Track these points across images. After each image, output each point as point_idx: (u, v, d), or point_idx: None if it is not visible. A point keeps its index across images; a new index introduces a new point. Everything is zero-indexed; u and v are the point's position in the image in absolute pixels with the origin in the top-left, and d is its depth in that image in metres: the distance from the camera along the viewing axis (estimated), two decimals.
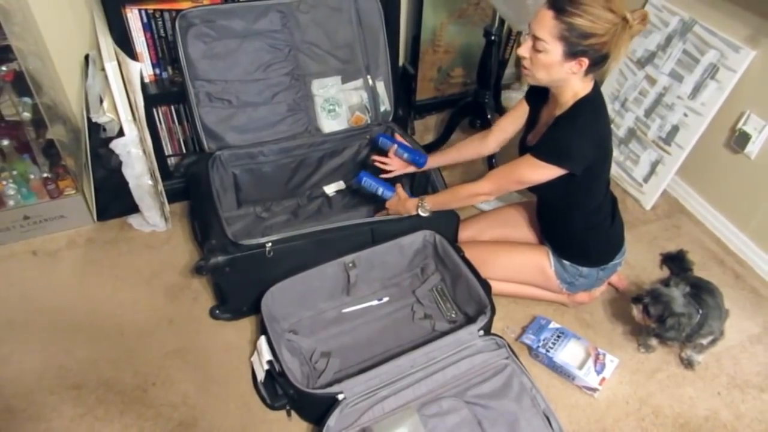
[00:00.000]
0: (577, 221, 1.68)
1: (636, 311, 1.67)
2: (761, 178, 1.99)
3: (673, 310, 1.59)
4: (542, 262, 1.79)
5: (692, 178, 2.29)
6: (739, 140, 2.01)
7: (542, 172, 1.51)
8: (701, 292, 1.67)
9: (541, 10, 1.39)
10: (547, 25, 1.37)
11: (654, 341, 1.77)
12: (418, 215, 1.80)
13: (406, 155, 1.95)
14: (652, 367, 1.75)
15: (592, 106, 1.50)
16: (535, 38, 1.40)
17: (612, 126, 2.41)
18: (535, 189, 1.73)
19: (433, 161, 1.95)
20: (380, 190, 1.95)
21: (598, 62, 1.42)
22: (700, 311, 1.62)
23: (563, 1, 1.35)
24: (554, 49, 1.39)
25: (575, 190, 1.57)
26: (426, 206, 1.79)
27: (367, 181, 1.96)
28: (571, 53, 1.39)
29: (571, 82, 1.48)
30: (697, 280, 1.75)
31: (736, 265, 2.09)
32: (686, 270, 1.96)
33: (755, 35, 1.91)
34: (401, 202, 1.86)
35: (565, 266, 1.76)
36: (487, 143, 1.86)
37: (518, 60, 2.74)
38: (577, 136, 1.47)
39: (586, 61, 1.40)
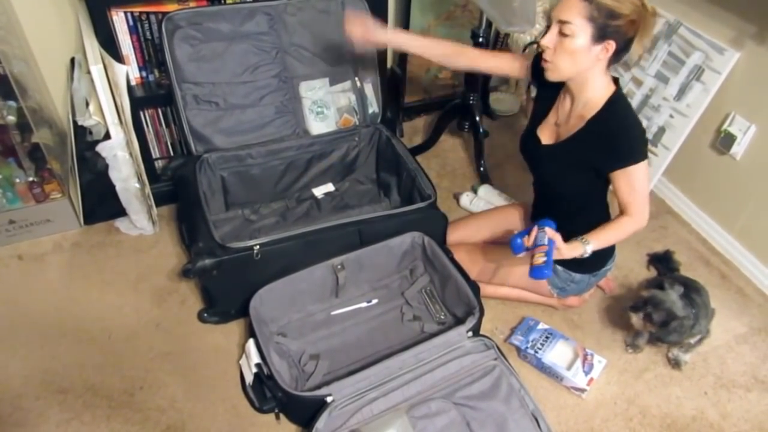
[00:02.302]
0: (580, 225, 1.61)
1: (636, 319, 1.66)
2: (746, 179, 2.01)
3: (676, 314, 1.60)
4: None
5: (679, 179, 2.31)
6: (724, 141, 2.03)
7: (641, 171, 1.50)
8: (690, 291, 1.68)
9: None
10: (575, 7, 1.38)
11: (642, 341, 1.78)
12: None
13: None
14: (639, 368, 1.76)
15: (625, 101, 1.53)
16: (562, 23, 1.41)
17: None
18: (556, 190, 1.71)
19: (394, 39, 1.79)
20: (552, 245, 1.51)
21: (623, 48, 1.43)
22: (693, 311, 1.63)
23: None
24: (582, 32, 1.39)
25: (597, 188, 1.61)
26: (591, 248, 1.56)
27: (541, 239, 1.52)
28: (600, 35, 1.40)
29: (594, 75, 1.48)
30: (684, 279, 1.76)
31: (722, 265, 2.11)
32: (673, 270, 1.98)
33: (739, 37, 1.93)
34: (559, 252, 1.53)
35: (558, 272, 1.75)
36: (474, 60, 1.75)
37: None
38: (636, 131, 1.50)
39: (613, 45, 1.41)
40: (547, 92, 1.65)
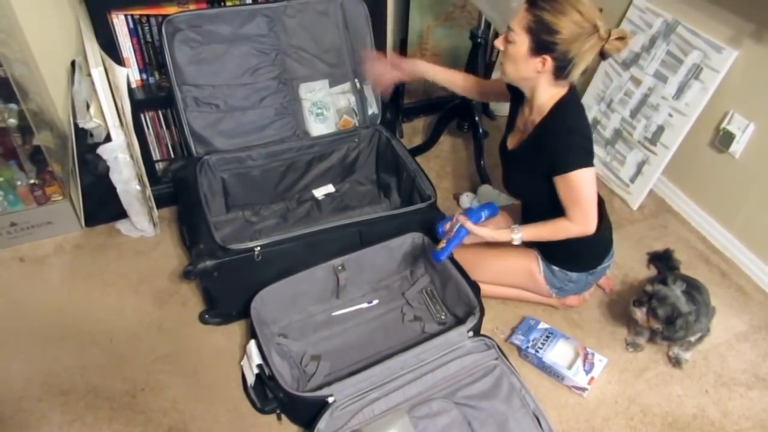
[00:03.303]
0: None
1: (639, 314, 1.66)
2: (745, 177, 2.02)
3: (680, 310, 1.60)
4: (531, 267, 1.79)
5: (678, 177, 2.31)
6: (723, 140, 2.03)
7: (584, 178, 1.48)
8: (691, 289, 1.68)
9: (522, 3, 1.43)
10: (519, 15, 1.41)
11: (642, 340, 1.79)
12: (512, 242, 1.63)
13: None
14: (640, 366, 1.76)
15: (571, 105, 1.52)
16: (509, 29, 1.44)
17: (598, 127, 2.43)
18: (522, 195, 1.74)
19: (417, 69, 1.83)
20: (462, 234, 1.63)
21: (563, 66, 1.43)
22: (694, 308, 1.64)
23: None
24: (521, 41, 1.42)
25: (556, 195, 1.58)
26: (519, 237, 1.61)
27: (449, 248, 1.64)
28: (537, 48, 1.41)
29: (541, 85, 1.49)
30: (685, 277, 1.76)
31: (722, 263, 2.11)
32: (673, 269, 1.98)
33: (737, 36, 1.93)
34: (480, 236, 1.63)
35: (555, 272, 1.76)
36: (476, 87, 1.83)
37: None
38: (574, 135, 1.49)
39: (549, 61, 1.42)
40: (517, 98, 1.66)
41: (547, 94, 1.51)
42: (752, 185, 2.00)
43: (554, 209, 1.62)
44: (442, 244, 1.64)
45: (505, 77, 1.54)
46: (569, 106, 1.51)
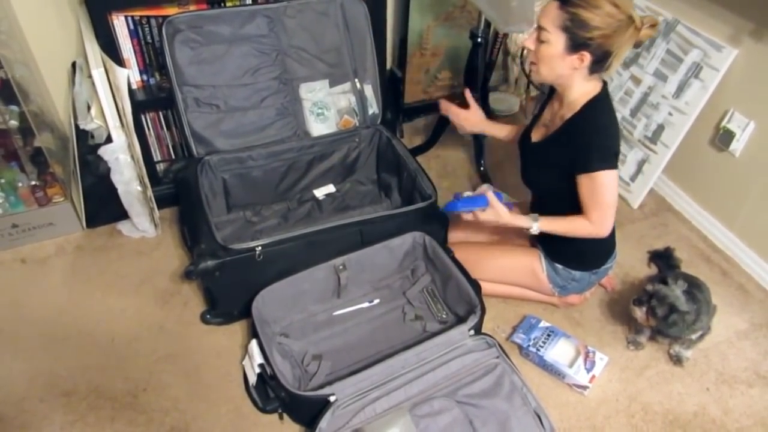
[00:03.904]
0: None
1: (639, 312, 1.66)
2: (746, 176, 2.02)
3: (679, 309, 1.60)
4: (534, 265, 1.79)
5: (678, 176, 2.31)
6: (723, 138, 2.03)
7: (608, 179, 1.48)
8: (691, 287, 1.68)
9: (549, 2, 1.41)
10: (551, 15, 1.39)
11: (643, 338, 1.79)
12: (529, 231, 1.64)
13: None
14: (641, 364, 1.77)
15: (604, 104, 1.51)
16: (540, 29, 1.42)
17: None
18: (538, 187, 1.73)
19: (485, 126, 1.94)
20: (469, 204, 1.66)
21: (600, 59, 1.42)
22: (694, 306, 1.64)
23: None
24: (557, 40, 1.40)
25: (575, 192, 1.58)
26: (537, 227, 1.61)
27: (463, 205, 1.66)
28: (574, 46, 1.40)
29: (576, 81, 1.48)
30: (686, 276, 1.76)
31: (723, 262, 2.11)
32: (674, 267, 1.98)
33: (737, 34, 1.93)
34: (496, 213, 1.61)
35: (558, 270, 1.76)
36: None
37: (505, 62, 2.78)
38: (605, 136, 1.49)
39: (587, 56, 1.41)
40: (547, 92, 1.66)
41: (580, 89, 1.50)
42: (753, 183, 2.00)
43: (568, 205, 1.61)
44: (464, 208, 1.65)
45: (537, 77, 1.52)
46: (602, 105, 1.50)
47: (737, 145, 2.00)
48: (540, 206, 1.78)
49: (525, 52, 1.57)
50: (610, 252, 1.78)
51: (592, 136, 1.49)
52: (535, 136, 1.69)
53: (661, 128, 2.17)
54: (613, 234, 1.76)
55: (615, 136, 1.51)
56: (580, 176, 1.51)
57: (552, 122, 1.61)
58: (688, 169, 2.25)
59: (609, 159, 1.48)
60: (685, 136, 2.11)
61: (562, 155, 1.54)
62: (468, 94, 1.91)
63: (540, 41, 1.44)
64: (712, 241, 2.19)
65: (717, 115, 2.05)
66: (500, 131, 1.95)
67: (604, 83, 1.53)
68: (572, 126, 1.52)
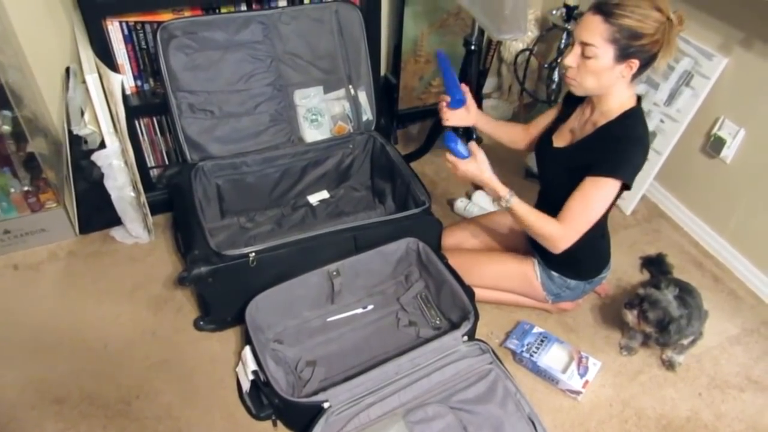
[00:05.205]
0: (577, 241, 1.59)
1: (631, 316, 1.67)
2: (737, 182, 2.04)
3: (671, 314, 1.61)
4: (528, 273, 1.80)
5: (670, 183, 2.33)
6: (714, 145, 2.05)
7: (610, 191, 1.47)
8: (683, 293, 1.69)
9: (588, 17, 1.40)
10: (596, 29, 1.38)
11: (636, 343, 1.80)
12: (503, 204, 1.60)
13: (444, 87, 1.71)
14: (634, 370, 1.77)
15: (641, 117, 1.51)
16: (584, 44, 1.41)
17: None
18: (555, 189, 1.69)
19: (479, 119, 1.81)
20: (458, 146, 1.61)
21: (647, 63, 1.43)
22: (686, 311, 1.65)
23: (609, 5, 1.36)
24: (605, 54, 1.39)
25: None
26: (512, 201, 1.57)
27: (451, 142, 1.61)
28: (623, 56, 1.40)
29: (618, 89, 1.48)
30: (677, 281, 1.77)
31: (715, 267, 2.13)
32: (666, 273, 2.00)
33: (727, 43, 1.96)
34: (478, 167, 1.59)
35: (553, 278, 1.77)
36: (526, 136, 1.85)
37: (499, 70, 2.79)
38: (638, 148, 1.48)
39: (636, 63, 1.41)
40: (574, 99, 1.64)
41: (620, 98, 1.49)
42: (743, 190, 2.02)
43: None
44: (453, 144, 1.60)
45: (579, 91, 1.51)
46: (639, 117, 1.50)
47: (728, 152, 2.01)
48: (545, 202, 1.74)
49: (562, 68, 1.52)
50: (607, 262, 1.79)
51: (626, 145, 1.47)
52: (559, 141, 1.67)
53: (652, 135, 2.19)
54: (609, 244, 1.78)
55: (645, 151, 1.50)
56: (587, 177, 1.49)
57: (581, 129, 1.60)
58: (680, 175, 2.26)
59: (626, 171, 1.46)
60: (676, 143, 2.13)
61: (588, 158, 1.51)
62: (465, 87, 1.86)
63: (585, 57, 1.42)
64: (703, 247, 2.20)
65: (708, 122, 2.07)
66: (498, 131, 1.88)
67: (638, 97, 1.53)
68: (606, 132, 1.51)
